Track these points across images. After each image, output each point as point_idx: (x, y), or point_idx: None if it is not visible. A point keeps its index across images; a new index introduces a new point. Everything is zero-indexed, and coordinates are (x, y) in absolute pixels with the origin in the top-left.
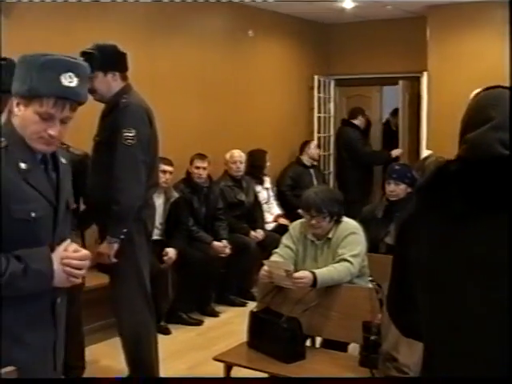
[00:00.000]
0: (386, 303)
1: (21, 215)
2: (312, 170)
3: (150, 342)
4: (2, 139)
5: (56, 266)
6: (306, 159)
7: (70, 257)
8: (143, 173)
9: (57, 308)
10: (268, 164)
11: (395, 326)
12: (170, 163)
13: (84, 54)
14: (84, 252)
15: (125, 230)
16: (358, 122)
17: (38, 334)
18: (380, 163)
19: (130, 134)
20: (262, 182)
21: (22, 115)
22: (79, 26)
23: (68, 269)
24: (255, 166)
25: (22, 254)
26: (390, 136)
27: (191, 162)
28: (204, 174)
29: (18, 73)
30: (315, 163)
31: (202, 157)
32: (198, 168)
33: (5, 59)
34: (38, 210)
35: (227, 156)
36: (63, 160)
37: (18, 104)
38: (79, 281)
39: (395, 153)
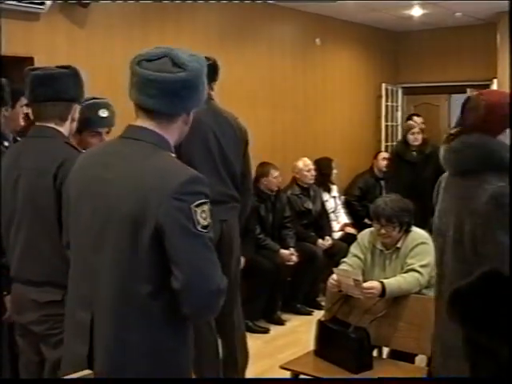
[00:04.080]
0: None
1: None
2: (383, 182)
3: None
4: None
5: None
6: (376, 170)
7: None
8: None
9: None
10: (335, 172)
11: None
12: None
13: None
14: None
15: None
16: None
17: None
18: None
19: None
20: (329, 191)
21: (190, 122)
22: (154, 36)
23: None
24: (322, 174)
25: None
26: None
27: (267, 174)
28: (278, 183)
29: (204, 79)
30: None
31: (275, 167)
32: (275, 178)
33: (67, 67)
34: None
35: (300, 164)
36: None
37: (190, 116)
38: None
39: None
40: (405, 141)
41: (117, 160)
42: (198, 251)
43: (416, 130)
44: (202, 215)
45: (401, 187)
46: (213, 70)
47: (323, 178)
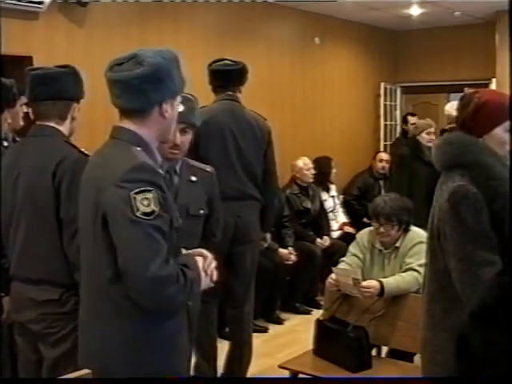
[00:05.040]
0: None
1: (176, 223)
2: (382, 182)
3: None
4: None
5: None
6: (375, 170)
7: (210, 262)
8: None
9: (190, 310)
10: (334, 171)
11: None
12: None
13: None
14: (211, 256)
15: None
16: (406, 129)
17: (184, 337)
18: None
19: None
20: (328, 190)
21: (171, 115)
22: (153, 36)
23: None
24: (321, 173)
25: (184, 262)
26: None
27: None
28: None
29: (172, 72)
30: (385, 173)
31: None
32: None
33: (67, 66)
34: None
35: (299, 163)
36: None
37: (166, 109)
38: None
39: None
40: (417, 140)
41: (101, 159)
42: (135, 237)
43: (432, 129)
44: (144, 202)
45: (417, 187)
46: (240, 74)
47: (322, 177)
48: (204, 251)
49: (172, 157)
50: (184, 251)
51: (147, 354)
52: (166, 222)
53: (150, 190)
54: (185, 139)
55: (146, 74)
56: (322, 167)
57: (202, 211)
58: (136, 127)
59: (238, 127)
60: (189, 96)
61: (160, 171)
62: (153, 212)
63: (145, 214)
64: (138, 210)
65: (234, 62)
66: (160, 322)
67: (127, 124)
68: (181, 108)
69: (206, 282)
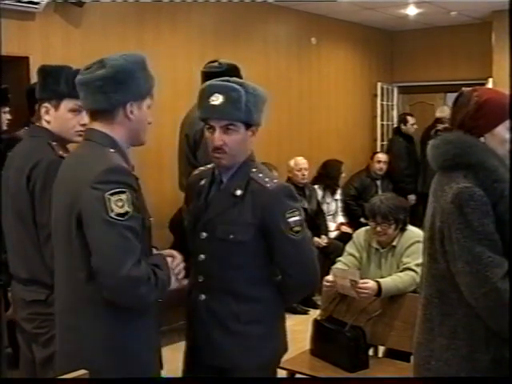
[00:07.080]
0: None
1: (148, 223)
2: (379, 182)
3: None
4: None
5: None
6: (373, 170)
7: (178, 262)
8: None
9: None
10: (343, 175)
11: None
12: None
13: None
14: (180, 257)
15: None
16: (404, 129)
17: (155, 335)
18: None
19: None
20: (334, 193)
21: (138, 117)
22: (149, 36)
23: (177, 273)
24: (330, 177)
25: (156, 263)
26: None
27: None
28: None
29: (135, 74)
30: (383, 174)
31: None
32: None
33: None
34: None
35: (291, 163)
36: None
37: (131, 110)
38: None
39: None
40: None
41: (74, 161)
42: (109, 237)
43: None
44: (118, 203)
45: None
46: (221, 76)
47: (331, 180)
48: (174, 252)
49: (216, 162)
50: (155, 251)
51: (120, 352)
52: (139, 222)
53: (123, 192)
54: (229, 139)
55: (108, 75)
56: (332, 171)
57: (231, 236)
58: (106, 129)
59: (185, 124)
60: (234, 85)
61: (133, 173)
62: (126, 213)
63: (119, 214)
64: (112, 210)
65: (220, 64)
66: (132, 320)
67: (97, 126)
68: (219, 100)
69: (173, 282)
